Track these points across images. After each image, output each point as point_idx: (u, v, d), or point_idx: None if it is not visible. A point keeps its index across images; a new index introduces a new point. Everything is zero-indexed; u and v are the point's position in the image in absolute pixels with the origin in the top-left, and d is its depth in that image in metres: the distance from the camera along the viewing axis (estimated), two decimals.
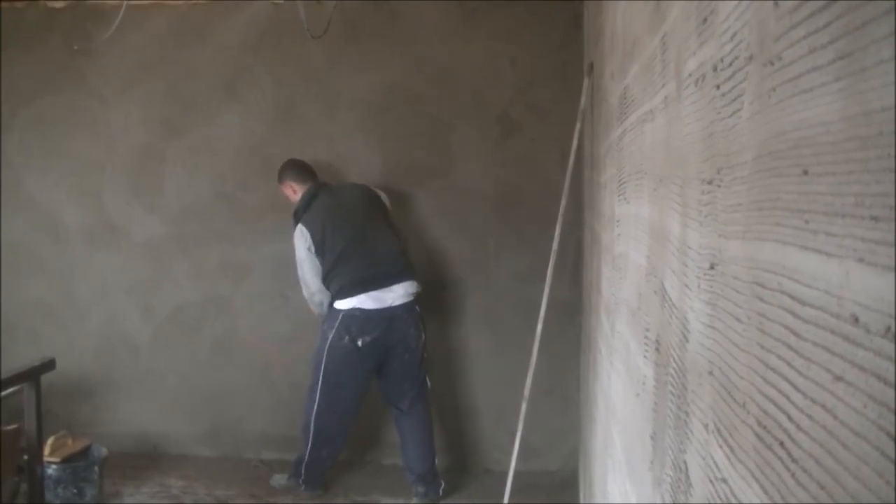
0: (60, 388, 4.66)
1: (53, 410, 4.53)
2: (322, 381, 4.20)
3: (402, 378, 4.29)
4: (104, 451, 4.25)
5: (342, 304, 4.18)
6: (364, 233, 4.21)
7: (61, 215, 5.05)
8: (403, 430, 4.36)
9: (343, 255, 4.16)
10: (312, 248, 4.20)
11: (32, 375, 3.28)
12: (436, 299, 4.77)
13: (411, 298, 4.25)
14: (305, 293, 4.34)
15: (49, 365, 3.40)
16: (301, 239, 4.24)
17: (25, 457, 3.26)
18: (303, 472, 4.36)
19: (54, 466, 3.99)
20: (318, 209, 4.26)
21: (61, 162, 5.02)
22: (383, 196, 4.42)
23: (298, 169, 4.46)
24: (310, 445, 4.30)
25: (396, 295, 4.19)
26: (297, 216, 4.31)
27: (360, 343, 4.13)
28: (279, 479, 4.46)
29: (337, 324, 4.16)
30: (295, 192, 4.41)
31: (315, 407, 4.25)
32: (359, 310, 4.14)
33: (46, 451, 3.88)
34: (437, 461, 4.41)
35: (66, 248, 5.06)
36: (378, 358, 4.22)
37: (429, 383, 4.38)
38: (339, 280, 4.17)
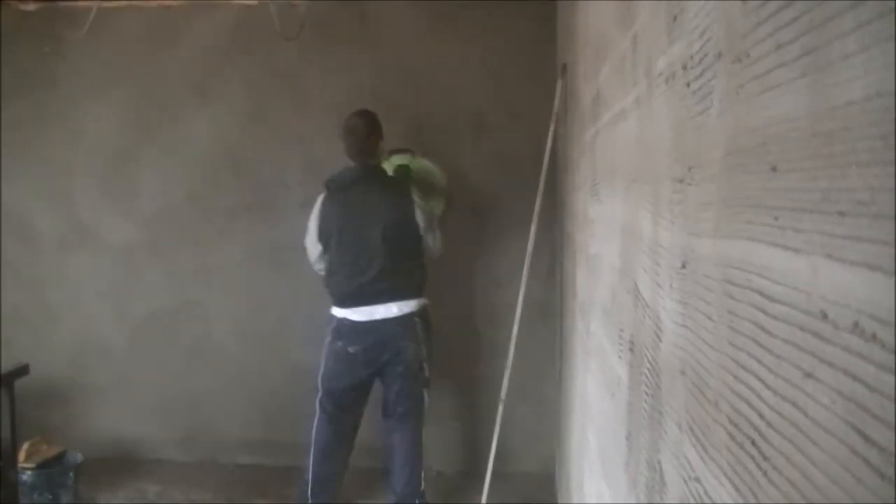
0: (35, 394, 4.60)
1: (28, 416, 4.46)
2: (322, 389, 4.01)
3: (395, 391, 4.03)
4: (79, 457, 4.22)
5: (335, 312, 4.04)
6: (363, 248, 3.97)
7: (32, 219, 5.00)
8: (392, 446, 4.09)
9: (336, 263, 4.02)
10: (315, 233, 4.05)
11: (5, 381, 3.25)
12: None
13: (407, 311, 3.99)
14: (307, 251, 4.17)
15: (22, 370, 3.37)
16: (315, 212, 4.07)
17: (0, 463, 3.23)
18: (308, 491, 4.05)
19: (29, 472, 3.97)
20: (340, 200, 4.01)
21: (33, 165, 4.97)
22: (419, 208, 4.03)
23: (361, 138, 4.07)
24: (311, 459, 4.03)
25: (387, 310, 3.97)
26: (328, 186, 4.07)
27: (350, 350, 3.97)
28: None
29: (332, 329, 4.01)
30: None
31: (316, 417, 4.03)
32: (348, 320, 3.98)
33: (21, 456, 3.87)
34: (423, 485, 4.11)
35: (38, 252, 5.01)
36: (372, 367, 4.00)
37: (427, 399, 4.08)
38: (331, 287, 4.04)
